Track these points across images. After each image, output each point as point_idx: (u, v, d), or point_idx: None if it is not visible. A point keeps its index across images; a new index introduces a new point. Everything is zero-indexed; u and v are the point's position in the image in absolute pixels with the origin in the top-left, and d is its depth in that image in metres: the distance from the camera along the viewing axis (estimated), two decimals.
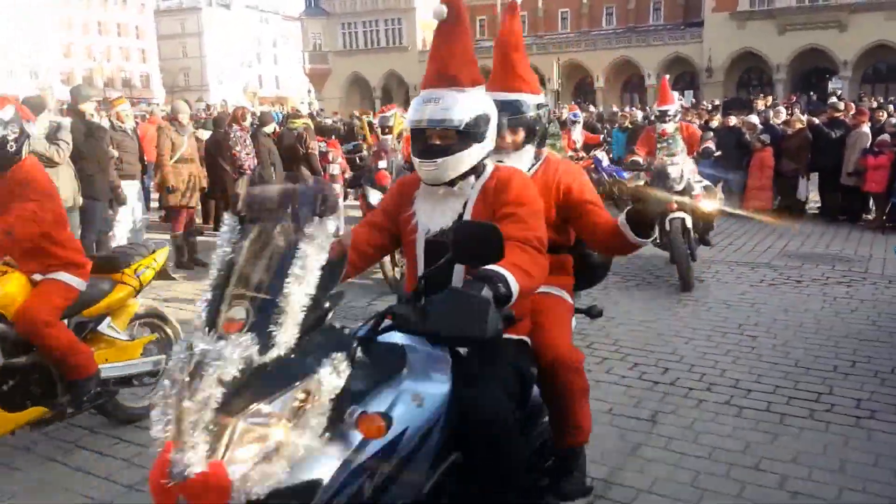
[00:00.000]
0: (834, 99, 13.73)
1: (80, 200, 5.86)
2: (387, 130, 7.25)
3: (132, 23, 68.25)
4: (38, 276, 3.10)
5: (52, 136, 5.52)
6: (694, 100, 28.24)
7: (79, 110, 6.08)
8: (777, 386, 3.87)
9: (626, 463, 3.07)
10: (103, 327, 3.40)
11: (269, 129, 8.27)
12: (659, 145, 6.52)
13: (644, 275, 6.64)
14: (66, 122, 5.68)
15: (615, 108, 17.55)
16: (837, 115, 10.00)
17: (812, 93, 25.63)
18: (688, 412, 3.58)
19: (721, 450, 3.17)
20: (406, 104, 41.66)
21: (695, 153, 6.95)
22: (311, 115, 14.01)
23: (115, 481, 3.01)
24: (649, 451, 3.17)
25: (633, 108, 17.28)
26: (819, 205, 10.13)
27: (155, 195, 9.60)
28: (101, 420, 3.60)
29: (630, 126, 11.95)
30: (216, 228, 9.41)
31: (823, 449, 3.17)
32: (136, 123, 8.82)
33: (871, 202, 9.36)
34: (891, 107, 13.35)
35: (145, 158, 9.29)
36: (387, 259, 5.87)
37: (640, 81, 39.54)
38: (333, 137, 11.26)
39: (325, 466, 1.42)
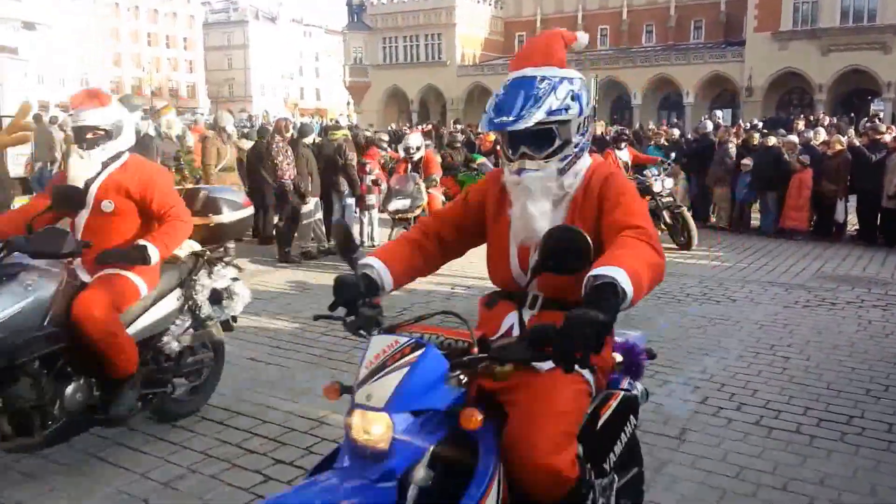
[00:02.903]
0: (875, 121, 13.38)
1: None
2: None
3: (181, 35, 70.47)
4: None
5: None
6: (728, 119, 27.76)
7: None
8: (808, 408, 3.82)
9: (653, 480, 3.07)
10: None
11: (308, 139, 8.48)
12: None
13: (675, 292, 6.59)
14: None
15: (651, 125, 17.34)
16: (879, 137, 9.78)
17: (853, 114, 25.00)
18: (717, 431, 3.55)
19: (749, 470, 3.14)
20: (443, 118, 41.93)
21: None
22: (351, 128, 14.28)
23: (151, 478, 3.08)
24: (677, 469, 3.16)
25: (669, 126, 17.10)
26: (857, 227, 9.89)
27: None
28: (138, 418, 3.66)
29: (667, 143, 11.82)
30: (255, 235, 9.68)
31: (853, 473, 3.12)
32: (184, 131, 9.12)
33: None
34: None
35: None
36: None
37: (679, 99, 39.13)
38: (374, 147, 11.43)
39: None
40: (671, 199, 9.14)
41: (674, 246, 8.89)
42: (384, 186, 9.35)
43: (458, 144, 11.14)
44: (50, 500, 2.93)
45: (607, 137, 12.57)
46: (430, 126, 19.05)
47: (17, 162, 7.55)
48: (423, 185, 7.83)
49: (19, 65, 8.50)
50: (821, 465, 3.19)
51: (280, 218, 8.14)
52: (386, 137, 12.80)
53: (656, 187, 8.93)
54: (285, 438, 3.48)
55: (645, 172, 9.21)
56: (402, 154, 8.56)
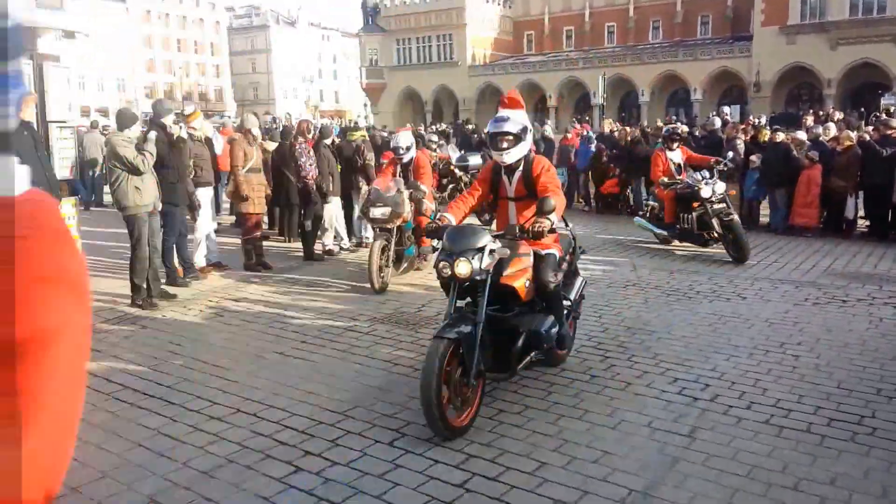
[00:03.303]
0: (884, 115, 13.04)
1: (160, 206, 6.17)
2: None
3: (208, 40, 71.02)
4: None
5: (140, 146, 5.84)
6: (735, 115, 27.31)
7: (160, 123, 6.41)
8: (818, 407, 3.75)
9: (664, 477, 3.04)
10: None
11: (328, 140, 8.50)
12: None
13: (685, 290, 6.51)
14: (153, 134, 5.98)
15: (659, 122, 17.05)
16: (890, 132, 9.52)
17: (863, 109, 24.44)
18: (727, 430, 3.50)
19: (760, 469, 3.10)
20: (456, 117, 41.89)
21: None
22: (368, 129, 14.28)
23: (192, 467, 3.17)
24: (687, 467, 3.13)
25: (679, 122, 16.82)
26: (868, 224, 9.67)
27: (226, 202, 9.98)
28: (179, 409, 3.80)
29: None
30: (281, 234, 9.74)
31: (865, 473, 3.06)
32: (215, 134, 9.17)
33: None
34: None
35: (218, 168, 9.68)
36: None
37: (686, 96, 38.59)
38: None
39: None
40: (723, 205, 7.74)
41: (728, 259, 7.65)
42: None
43: (435, 146, 10.70)
44: (103, 485, 3.01)
45: (657, 136, 11.10)
46: (410, 126, 18.50)
47: (63, 165, 7.70)
48: (405, 194, 6.64)
49: (62, 72, 8.63)
50: (832, 465, 3.13)
51: (305, 216, 8.17)
52: (436, 138, 12.47)
53: (705, 192, 7.67)
54: (314, 431, 3.53)
55: (695, 175, 7.97)
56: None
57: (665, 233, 8.61)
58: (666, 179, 8.49)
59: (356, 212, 8.94)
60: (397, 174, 7.04)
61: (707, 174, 7.93)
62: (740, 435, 3.44)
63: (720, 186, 7.81)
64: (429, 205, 6.98)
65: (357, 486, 2.99)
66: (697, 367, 4.38)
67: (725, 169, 8.14)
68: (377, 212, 6.54)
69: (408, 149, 7.14)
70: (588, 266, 7.57)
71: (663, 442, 3.38)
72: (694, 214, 8.00)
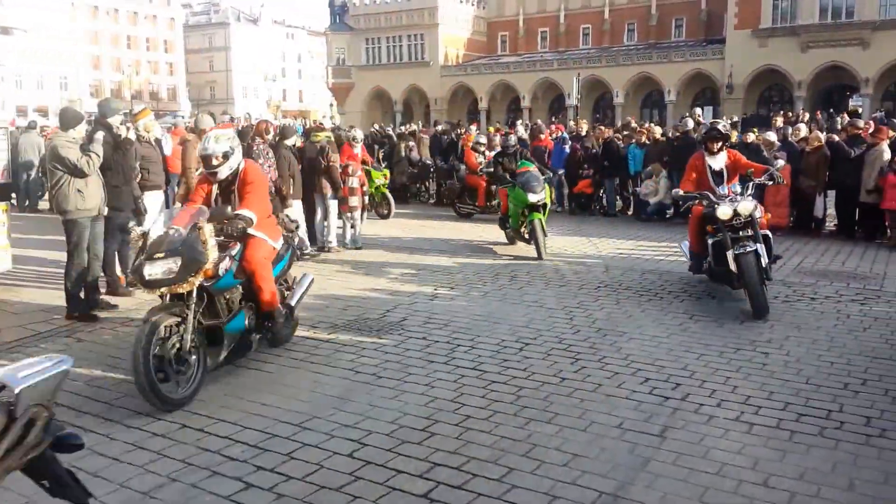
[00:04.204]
0: (846, 117, 13.53)
1: (106, 211, 6.01)
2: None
3: (161, 37, 69.90)
4: None
5: (85, 147, 5.68)
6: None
7: (106, 123, 6.25)
8: (787, 403, 3.85)
9: (635, 477, 3.08)
10: None
11: (290, 141, 8.42)
12: None
13: (656, 290, 6.63)
14: (99, 135, 5.83)
15: (633, 123, 17.33)
16: (857, 132, 9.90)
17: (832, 110, 25.35)
18: (698, 428, 3.57)
19: (730, 466, 3.16)
20: (426, 118, 41.99)
21: None
22: (334, 129, 14.23)
23: (130, 487, 3.05)
24: (658, 467, 3.17)
25: (652, 124, 17.14)
26: (836, 222, 10.02)
27: (178, 206, 9.81)
28: (117, 427, 3.67)
29: (648, 142, 11.88)
30: None
31: (832, 467, 3.15)
32: (164, 134, 9.03)
33: (889, 220, 9.22)
34: None
35: (169, 170, 9.50)
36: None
37: (660, 98, 39.46)
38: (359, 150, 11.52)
39: None
40: (749, 231, 5.64)
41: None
42: (367, 188, 9.41)
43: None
44: None
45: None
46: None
47: None
48: (208, 231, 4.03)
49: None
50: (801, 459, 3.22)
51: None
52: (484, 140, 12.67)
53: (722, 212, 5.62)
54: (267, 444, 3.45)
55: (731, 187, 6.05)
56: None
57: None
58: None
59: (319, 215, 8.90)
60: (214, 199, 4.57)
61: (737, 188, 6.05)
62: (711, 433, 3.51)
63: (748, 205, 5.66)
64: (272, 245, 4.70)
65: (313, 501, 2.92)
66: (668, 367, 4.46)
67: (773, 179, 6.09)
68: (156, 269, 3.94)
69: (225, 157, 4.42)
70: (560, 268, 7.66)
71: (634, 442, 3.42)
72: (710, 241, 5.89)
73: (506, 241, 9.17)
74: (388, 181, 12.32)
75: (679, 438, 3.45)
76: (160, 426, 3.68)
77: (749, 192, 5.97)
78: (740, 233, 5.65)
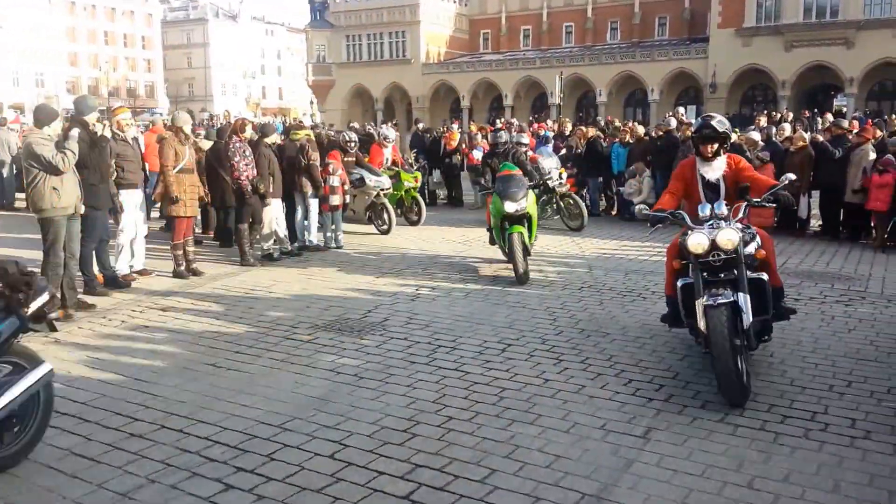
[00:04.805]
0: (829, 117, 13.72)
1: (82, 209, 5.92)
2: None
3: (139, 33, 69.15)
4: None
5: (60, 145, 5.59)
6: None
7: (83, 120, 6.16)
8: (772, 405, 3.87)
9: (618, 479, 3.08)
10: None
11: (271, 139, 8.33)
12: None
13: (640, 290, 6.66)
14: (75, 132, 5.75)
15: (617, 122, 17.40)
16: (841, 132, 10.01)
17: (816, 110, 25.74)
18: (682, 429, 3.58)
19: (714, 468, 3.17)
20: (408, 116, 41.97)
21: None
22: (313, 127, 14.10)
23: (108, 489, 3.03)
24: (642, 468, 3.17)
25: (635, 122, 17.23)
26: (820, 223, 10.14)
27: (156, 205, 9.68)
28: (95, 427, 3.63)
29: (631, 141, 11.94)
30: (215, 238, 9.49)
31: (817, 469, 3.17)
32: (140, 133, 8.90)
33: (873, 220, 9.35)
34: None
35: (147, 168, 9.37)
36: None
37: (644, 96, 39.77)
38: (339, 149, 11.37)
39: None
40: (732, 273, 3.97)
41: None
42: (348, 186, 9.32)
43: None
44: None
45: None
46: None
47: None
48: None
49: None
50: (785, 461, 3.23)
51: (239, 219, 7.98)
52: (504, 137, 11.35)
53: (694, 242, 3.97)
54: (247, 446, 3.42)
55: (716, 206, 4.13)
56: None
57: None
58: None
59: (299, 214, 8.83)
60: None
61: (724, 207, 4.15)
62: (695, 434, 3.52)
63: (729, 235, 3.94)
64: None
65: (293, 503, 2.91)
66: (652, 368, 4.47)
67: (786, 193, 4.30)
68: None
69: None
70: (543, 268, 7.66)
71: (617, 444, 3.42)
72: (678, 284, 4.25)
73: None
74: (418, 184, 11.29)
75: (662, 440, 3.46)
76: (139, 427, 3.65)
77: (740, 214, 4.19)
78: (720, 274, 3.97)
